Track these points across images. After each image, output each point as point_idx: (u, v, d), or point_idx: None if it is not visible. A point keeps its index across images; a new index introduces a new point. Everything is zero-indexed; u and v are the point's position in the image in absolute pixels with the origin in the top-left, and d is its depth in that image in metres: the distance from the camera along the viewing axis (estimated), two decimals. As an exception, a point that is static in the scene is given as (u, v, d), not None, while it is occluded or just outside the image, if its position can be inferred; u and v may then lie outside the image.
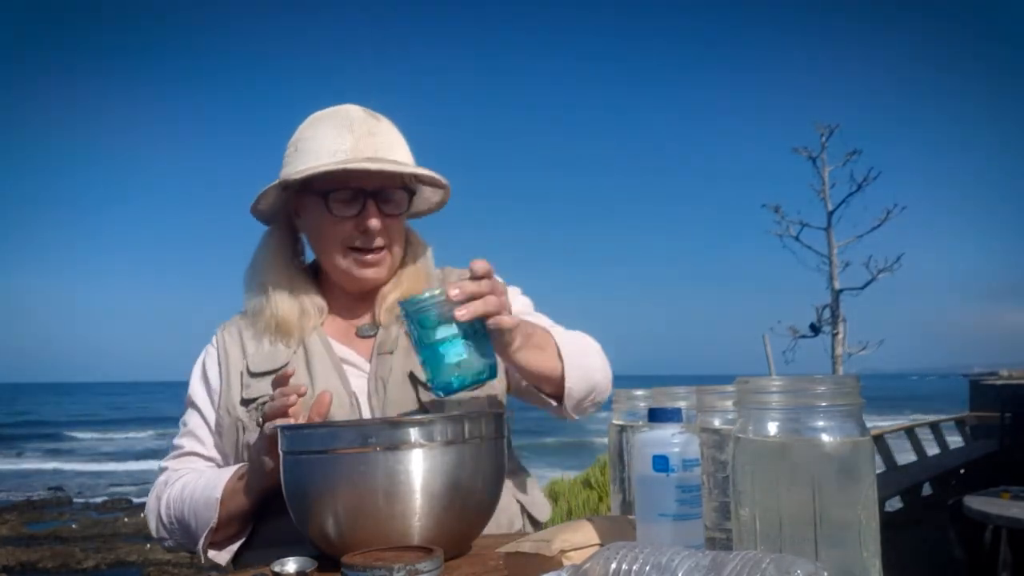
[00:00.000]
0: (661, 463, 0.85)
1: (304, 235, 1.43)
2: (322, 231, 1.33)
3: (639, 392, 1.11)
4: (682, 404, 0.93)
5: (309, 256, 1.47)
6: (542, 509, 1.41)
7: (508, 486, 1.28)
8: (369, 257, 1.33)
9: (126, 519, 11.69)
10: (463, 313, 1.04)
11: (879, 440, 7.86)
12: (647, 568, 0.61)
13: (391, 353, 1.33)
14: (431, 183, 1.41)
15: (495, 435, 1.05)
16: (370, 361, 1.34)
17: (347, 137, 1.30)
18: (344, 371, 1.32)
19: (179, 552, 1.35)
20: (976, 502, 4.22)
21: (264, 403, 1.25)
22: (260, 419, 1.22)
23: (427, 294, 1.07)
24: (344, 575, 0.83)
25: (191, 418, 1.39)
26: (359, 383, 1.32)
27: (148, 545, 9.48)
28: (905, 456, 8.67)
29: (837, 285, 10.13)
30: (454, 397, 1.28)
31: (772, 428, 0.67)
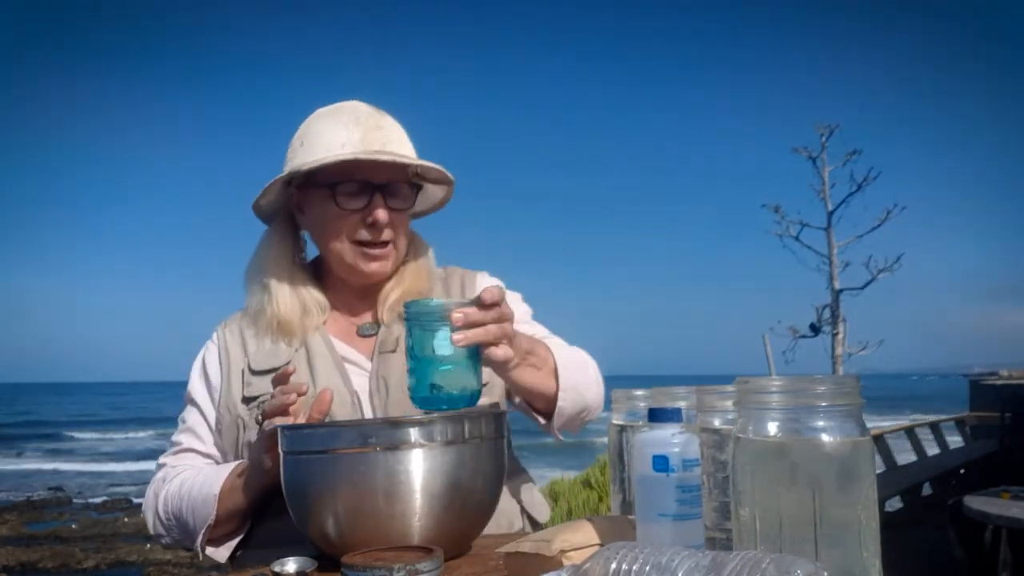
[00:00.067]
0: (661, 463, 0.85)
1: (307, 231, 1.42)
2: (328, 224, 1.32)
3: (639, 392, 1.11)
4: (682, 404, 0.93)
5: (310, 254, 1.47)
6: (541, 510, 1.41)
7: (508, 487, 1.28)
8: (375, 251, 1.32)
9: (126, 519, 11.69)
10: (459, 339, 1.02)
11: (879, 440, 7.87)
12: (647, 568, 0.61)
13: (393, 352, 1.33)
14: (436, 179, 1.42)
15: (495, 435, 1.05)
16: (372, 360, 1.34)
17: (355, 130, 1.30)
18: (346, 370, 1.32)
19: (177, 549, 1.34)
20: (976, 502, 4.22)
21: (264, 401, 1.25)
22: (260, 417, 1.22)
23: (434, 303, 1.05)
24: (344, 575, 0.83)
25: (190, 415, 1.38)
26: (361, 382, 1.32)
27: (148, 545, 9.49)
28: (905, 456, 8.67)
29: (837, 285, 10.13)
30: None
31: (772, 428, 0.67)
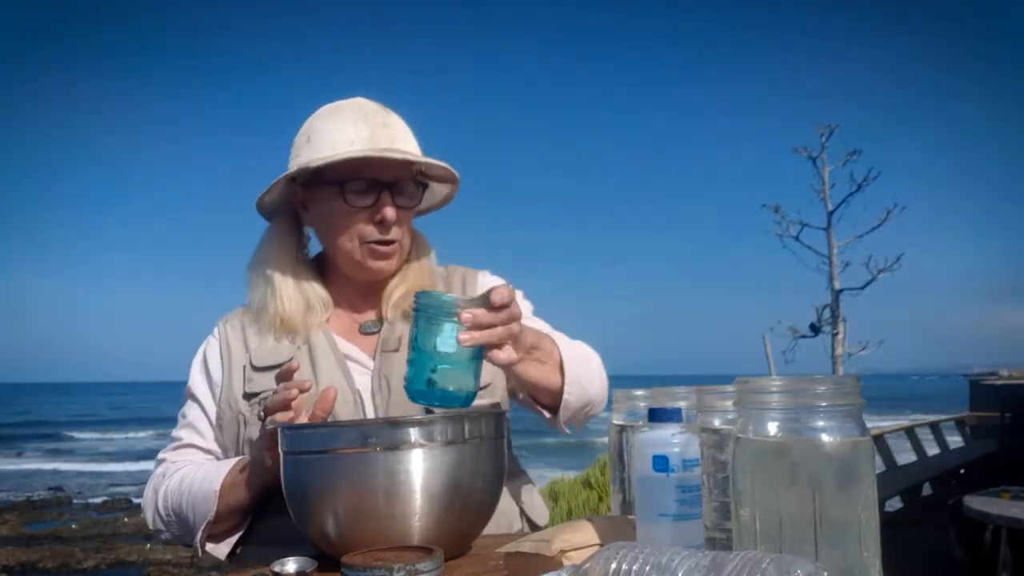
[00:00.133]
0: (661, 463, 0.85)
1: (311, 228, 1.42)
2: (335, 221, 1.32)
3: (639, 392, 1.11)
4: (682, 404, 0.93)
5: (312, 252, 1.46)
6: (541, 513, 1.40)
7: (507, 489, 1.27)
8: (382, 249, 1.32)
9: (126, 519, 11.68)
10: (465, 339, 1.02)
11: (879, 440, 7.86)
12: (647, 568, 0.61)
13: (395, 351, 1.33)
14: (441, 177, 1.42)
15: (495, 435, 1.05)
16: (374, 358, 1.34)
17: (363, 127, 1.30)
18: (348, 368, 1.32)
19: (176, 544, 1.34)
20: (976, 502, 4.22)
21: (267, 397, 1.25)
22: (262, 413, 1.22)
23: (445, 297, 1.04)
24: (344, 575, 0.83)
25: (190, 410, 1.38)
26: (363, 380, 1.32)
27: (148, 545, 9.49)
28: (905, 456, 8.67)
29: (837, 285, 10.13)
30: None
31: (772, 428, 0.67)
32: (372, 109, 1.34)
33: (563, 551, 0.90)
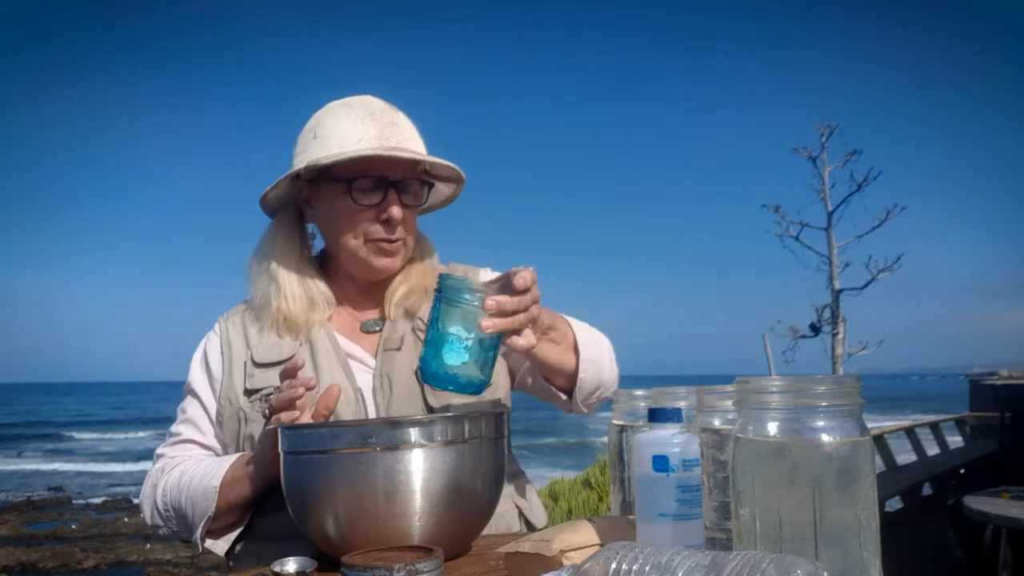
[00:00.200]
0: (661, 463, 0.85)
1: (315, 224, 1.42)
2: (341, 219, 1.32)
3: (639, 392, 1.11)
4: (682, 404, 0.92)
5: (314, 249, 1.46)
6: (539, 515, 1.40)
7: (506, 490, 1.27)
8: (388, 246, 1.32)
9: (126, 519, 11.69)
10: (488, 326, 1.03)
11: (879, 440, 7.86)
12: (647, 568, 0.61)
13: (397, 350, 1.32)
14: (447, 177, 1.42)
15: (495, 435, 1.05)
16: (376, 357, 1.33)
17: (371, 125, 1.30)
18: (349, 366, 1.32)
19: (173, 540, 1.34)
20: (976, 502, 4.22)
21: (270, 395, 1.25)
22: (266, 411, 1.22)
23: (469, 282, 1.04)
24: (344, 575, 0.83)
25: (190, 406, 1.38)
26: (364, 379, 1.31)
27: (148, 545, 9.49)
28: (905, 456, 8.66)
29: (837, 285, 10.11)
30: (457, 398, 1.28)
31: (772, 428, 0.67)
32: (380, 107, 1.34)
33: (563, 551, 0.90)
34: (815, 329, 10.15)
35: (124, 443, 29.68)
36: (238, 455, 1.27)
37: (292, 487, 1.02)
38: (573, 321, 1.34)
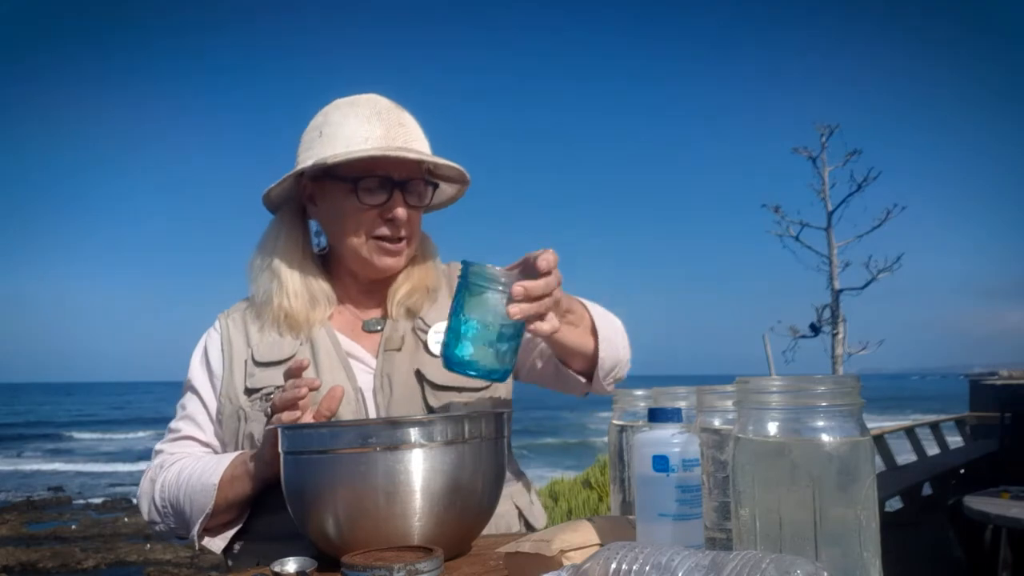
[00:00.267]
0: (661, 463, 0.85)
1: (318, 222, 1.41)
2: (346, 218, 1.31)
3: (639, 392, 1.11)
4: (682, 404, 0.92)
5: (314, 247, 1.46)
6: (539, 516, 1.40)
7: (506, 490, 1.28)
8: (391, 246, 1.32)
9: (126, 519, 11.68)
10: (515, 312, 1.02)
11: (879, 440, 7.85)
12: (647, 568, 0.61)
13: (398, 350, 1.32)
14: (451, 178, 1.42)
15: (495, 435, 1.05)
16: (376, 357, 1.33)
17: (377, 125, 1.30)
18: (350, 366, 1.32)
19: (172, 540, 1.33)
20: (976, 502, 4.22)
21: (270, 394, 1.25)
22: (269, 410, 1.22)
23: (493, 270, 1.04)
24: (344, 575, 0.83)
25: (190, 402, 1.37)
26: (365, 379, 1.31)
27: (148, 545, 9.49)
28: (905, 456, 8.66)
29: (837, 285, 10.11)
30: (458, 398, 1.28)
31: (772, 428, 0.67)
32: (386, 106, 1.34)
33: (563, 551, 0.90)
34: (815, 329, 10.15)
35: (124, 443, 29.67)
36: (238, 453, 1.27)
37: (292, 487, 1.02)
38: (586, 302, 1.34)
